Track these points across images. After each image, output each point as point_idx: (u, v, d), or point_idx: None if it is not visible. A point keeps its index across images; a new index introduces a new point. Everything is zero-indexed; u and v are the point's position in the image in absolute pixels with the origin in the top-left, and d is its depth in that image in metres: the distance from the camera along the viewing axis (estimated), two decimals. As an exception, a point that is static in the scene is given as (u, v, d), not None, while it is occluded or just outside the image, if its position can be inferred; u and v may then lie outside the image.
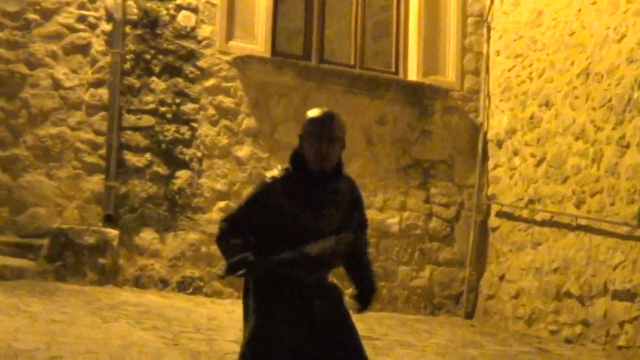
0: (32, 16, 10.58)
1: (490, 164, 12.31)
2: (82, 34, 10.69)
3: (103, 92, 10.63)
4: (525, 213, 11.52)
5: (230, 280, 6.94)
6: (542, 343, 10.20)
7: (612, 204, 9.99)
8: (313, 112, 5.28)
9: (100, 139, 10.58)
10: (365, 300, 5.26)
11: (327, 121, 5.16)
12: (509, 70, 12.18)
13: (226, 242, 5.07)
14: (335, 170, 5.16)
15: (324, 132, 5.09)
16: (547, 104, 11.34)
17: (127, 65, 10.75)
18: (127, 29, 10.78)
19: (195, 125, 11.03)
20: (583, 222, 10.43)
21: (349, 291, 5.44)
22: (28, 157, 10.42)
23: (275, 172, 5.18)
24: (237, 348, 7.48)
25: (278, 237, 5.00)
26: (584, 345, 10.02)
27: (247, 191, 5.42)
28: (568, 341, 10.28)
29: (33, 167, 10.41)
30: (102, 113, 10.61)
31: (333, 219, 5.12)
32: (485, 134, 12.41)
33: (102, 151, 10.56)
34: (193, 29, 11.12)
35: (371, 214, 11.62)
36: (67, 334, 7.28)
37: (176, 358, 6.98)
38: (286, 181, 5.10)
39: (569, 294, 10.47)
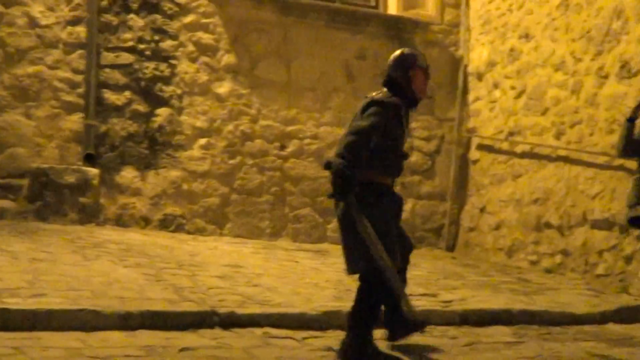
0: (6, -46, 10.49)
1: (471, 97, 12.34)
2: (57, -31, 10.61)
3: (80, 30, 10.55)
4: (505, 145, 11.57)
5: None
6: (523, 273, 10.31)
7: (591, 134, 10.06)
8: (407, 50, 6.43)
9: (79, 78, 10.53)
10: None
11: (423, 56, 6.38)
12: (489, 2, 12.16)
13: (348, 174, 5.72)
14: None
15: (426, 64, 6.30)
16: (527, 36, 11.35)
17: (104, 2, 10.67)
18: (104, -35, 10.71)
19: (174, 62, 11.00)
20: (562, 153, 10.50)
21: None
22: (6, 97, 10.35)
23: (387, 97, 6.09)
24: (219, 283, 7.57)
25: (390, 148, 6.03)
26: (563, 275, 10.15)
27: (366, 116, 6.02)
28: (548, 271, 10.41)
29: (11, 107, 10.35)
30: (80, 51, 10.55)
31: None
32: (466, 67, 12.41)
33: (81, 90, 10.52)
34: (170, -37, 11.06)
35: (352, 149, 11.68)
36: (50, 272, 7.31)
37: (159, 293, 7.02)
38: (399, 107, 6.08)
39: (548, 225, 10.58)
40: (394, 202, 6.17)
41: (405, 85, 6.20)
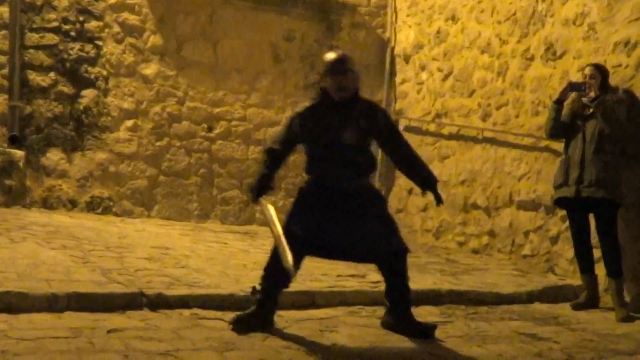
0: None
1: (398, 79, 12.39)
2: (-21, -51, 10.44)
3: (3, 10, 10.41)
4: (432, 127, 11.64)
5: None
6: (450, 254, 10.41)
7: (517, 116, 10.15)
8: (329, 55, 6.61)
9: (2, 59, 10.40)
10: (431, 191, 6.61)
11: (340, 59, 6.51)
12: (416, -16, 12.23)
13: (260, 173, 6.55)
14: (353, 97, 6.50)
15: (338, 67, 6.44)
16: (454, 18, 11.42)
17: (28, -18, 10.54)
18: (27, -56, 10.55)
19: (100, 43, 10.90)
20: (489, 134, 10.60)
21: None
22: None
23: (306, 103, 6.66)
24: (147, 265, 7.53)
25: (313, 148, 6.51)
26: (490, 255, 10.25)
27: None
28: (475, 252, 10.51)
29: None
30: (3, 32, 10.41)
31: (353, 135, 6.47)
32: (393, 49, 12.46)
33: (5, 71, 10.39)
34: (95, -58, 10.94)
35: (280, 131, 11.70)
36: (-26, 255, 7.23)
37: (86, 275, 6.96)
38: (315, 108, 6.53)
39: (475, 206, 10.68)
40: (317, 196, 6.46)
41: (335, 90, 6.51)
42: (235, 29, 11.64)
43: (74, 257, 7.66)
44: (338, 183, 6.45)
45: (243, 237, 10.36)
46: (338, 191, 6.43)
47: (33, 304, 6.21)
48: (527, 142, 9.94)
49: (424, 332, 6.63)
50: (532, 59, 9.98)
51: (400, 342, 6.51)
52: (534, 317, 7.69)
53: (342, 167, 6.47)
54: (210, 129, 11.48)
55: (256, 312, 6.38)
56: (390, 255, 6.54)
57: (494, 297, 8.21)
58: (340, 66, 6.47)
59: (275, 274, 6.33)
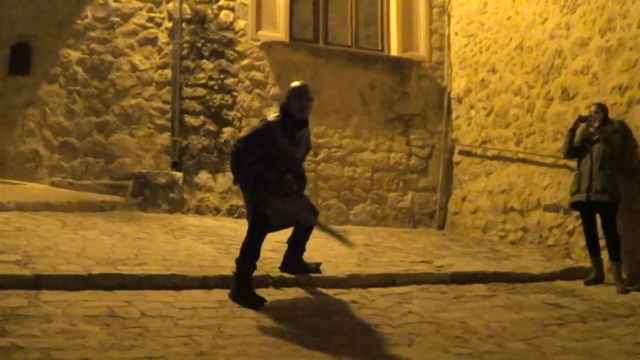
0: (115, 19, 10.63)
1: (453, 115, 12.34)
2: (151, 30, 10.71)
3: (167, 72, 10.66)
4: (479, 151, 11.58)
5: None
6: (494, 245, 10.32)
7: (542, 142, 10.06)
8: (296, 83, 6.52)
9: (167, 107, 10.63)
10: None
11: (306, 88, 6.46)
12: (465, 46, 12.15)
13: (240, 161, 6.21)
14: (306, 120, 6.44)
15: (306, 94, 6.40)
16: (493, 70, 11.35)
17: (185, 52, 10.76)
18: (184, 25, 10.77)
19: (235, 94, 11.07)
20: (521, 155, 10.50)
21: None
22: (115, 122, 10.52)
23: (273, 117, 6.42)
24: (273, 255, 7.64)
25: (272, 160, 6.22)
26: (523, 245, 10.15)
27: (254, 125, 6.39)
28: (512, 243, 10.40)
29: (120, 129, 10.52)
30: (167, 87, 10.65)
31: (302, 151, 6.56)
32: (449, 93, 12.41)
33: (168, 115, 10.62)
34: (231, 23, 11.09)
35: (367, 155, 11.76)
36: (149, 248, 7.45)
37: (228, 262, 7.10)
38: (280, 123, 6.30)
39: (512, 209, 10.58)
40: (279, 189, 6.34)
41: (299, 111, 6.37)
42: (333, 81, 11.71)
43: (219, 249, 7.83)
44: (289, 187, 6.36)
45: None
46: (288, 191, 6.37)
47: (191, 283, 6.40)
48: (549, 161, 9.85)
49: (314, 271, 6.97)
50: (552, 99, 9.89)
51: (459, 310, 6.53)
52: (556, 291, 7.64)
53: (293, 176, 6.39)
54: (315, 155, 11.56)
55: (247, 289, 6.15)
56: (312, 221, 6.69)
57: (527, 276, 8.17)
58: (308, 93, 6.38)
59: (251, 254, 6.30)
